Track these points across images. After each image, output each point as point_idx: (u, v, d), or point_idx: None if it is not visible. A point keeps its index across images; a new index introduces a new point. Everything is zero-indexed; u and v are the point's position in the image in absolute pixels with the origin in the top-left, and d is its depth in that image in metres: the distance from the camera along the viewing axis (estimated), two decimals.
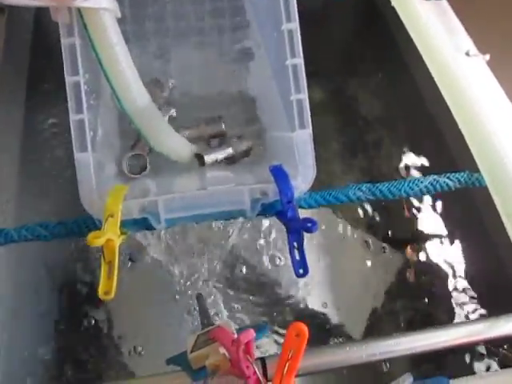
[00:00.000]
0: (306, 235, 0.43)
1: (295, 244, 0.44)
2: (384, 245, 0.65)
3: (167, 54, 0.60)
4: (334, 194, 0.49)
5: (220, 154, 0.56)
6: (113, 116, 0.54)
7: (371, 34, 0.79)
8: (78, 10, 0.41)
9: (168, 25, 0.61)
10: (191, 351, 0.37)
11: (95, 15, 0.41)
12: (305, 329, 0.29)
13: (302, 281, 0.59)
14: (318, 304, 0.60)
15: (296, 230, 0.44)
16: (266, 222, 0.62)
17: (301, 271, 0.44)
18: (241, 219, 0.59)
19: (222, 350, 0.35)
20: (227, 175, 0.56)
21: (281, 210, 0.45)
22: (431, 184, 0.50)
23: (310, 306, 0.59)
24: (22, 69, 0.63)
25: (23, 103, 0.61)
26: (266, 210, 0.46)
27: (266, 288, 0.59)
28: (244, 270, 0.60)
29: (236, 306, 0.58)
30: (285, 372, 0.30)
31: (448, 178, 0.50)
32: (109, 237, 0.38)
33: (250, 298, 0.58)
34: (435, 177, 0.50)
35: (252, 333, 0.31)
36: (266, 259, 0.60)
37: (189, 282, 0.56)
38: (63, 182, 0.60)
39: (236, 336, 0.33)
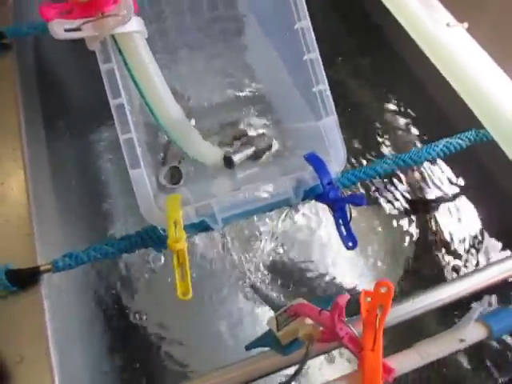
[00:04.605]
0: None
1: (340, 221, 0.49)
2: (401, 210, 0.70)
3: (177, 67, 0.63)
4: (363, 171, 0.53)
5: (245, 154, 0.59)
6: (142, 131, 0.56)
7: (355, 20, 0.84)
8: (112, 35, 0.43)
9: (172, 38, 0.63)
10: (277, 330, 0.40)
11: (129, 38, 0.44)
12: (391, 284, 0.33)
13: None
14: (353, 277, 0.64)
15: (340, 208, 0.48)
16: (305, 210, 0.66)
17: (350, 244, 0.49)
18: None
19: (309, 321, 0.39)
20: (256, 172, 0.60)
21: (321, 192, 0.49)
22: (446, 147, 0.55)
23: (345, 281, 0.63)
24: (35, 96, 0.65)
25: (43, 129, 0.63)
26: (307, 195, 0.50)
27: (306, 272, 0.62)
28: (286, 258, 0.63)
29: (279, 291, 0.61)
30: (377, 326, 0.34)
31: (459, 138, 0.55)
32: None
33: (291, 283, 0.62)
34: (447, 139, 0.55)
35: (347, 295, 0.34)
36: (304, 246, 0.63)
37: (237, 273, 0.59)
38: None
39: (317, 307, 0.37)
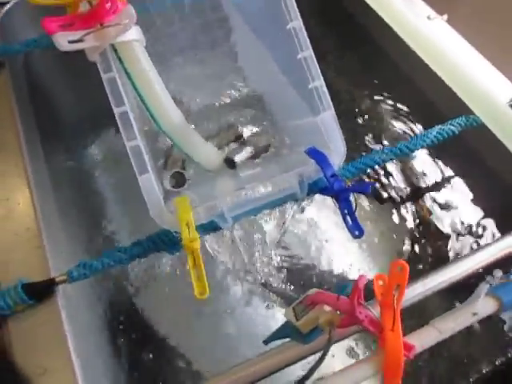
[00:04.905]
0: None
1: (346, 211, 0.50)
2: (397, 199, 0.71)
3: (171, 74, 0.64)
4: (363, 162, 0.55)
5: (245, 154, 0.61)
6: (143, 138, 0.57)
7: (338, 20, 0.87)
8: (112, 45, 0.44)
9: (164, 47, 0.64)
10: (296, 320, 0.41)
11: (128, 47, 0.45)
12: (405, 263, 0.35)
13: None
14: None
15: (345, 199, 0.50)
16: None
17: (356, 233, 0.50)
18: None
19: (327, 308, 0.40)
20: (257, 171, 0.61)
21: (325, 185, 0.51)
22: (439, 133, 0.57)
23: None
24: (30, 112, 0.65)
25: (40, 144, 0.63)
26: (312, 189, 0.52)
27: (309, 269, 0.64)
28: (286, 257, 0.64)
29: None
30: (395, 305, 0.36)
31: (451, 124, 0.57)
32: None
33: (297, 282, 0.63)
34: (440, 126, 0.57)
35: (365, 277, 0.36)
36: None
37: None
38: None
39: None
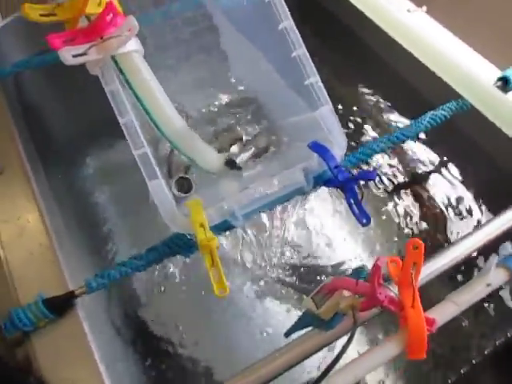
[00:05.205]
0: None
1: (352, 200, 0.52)
2: (396, 188, 0.73)
3: (166, 82, 0.64)
4: (363, 152, 0.56)
5: (246, 155, 0.62)
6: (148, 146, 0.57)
7: (319, 19, 0.89)
8: (112, 56, 0.45)
9: (156, 56, 0.65)
10: (317, 309, 0.42)
11: (129, 58, 0.45)
12: (421, 242, 0.36)
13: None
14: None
15: (351, 189, 0.51)
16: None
17: (364, 221, 0.51)
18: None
19: (347, 294, 0.41)
20: (260, 169, 0.62)
21: (329, 177, 0.52)
22: (432, 119, 0.59)
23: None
24: (26, 131, 0.65)
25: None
26: (317, 182, 0.53)
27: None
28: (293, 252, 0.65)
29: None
30: (414, 283, 0.37)
31: (442, 109, 0.59)
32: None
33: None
34: (432, 112, 0.59)
35: (385, 258, 0.37)
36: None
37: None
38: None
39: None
